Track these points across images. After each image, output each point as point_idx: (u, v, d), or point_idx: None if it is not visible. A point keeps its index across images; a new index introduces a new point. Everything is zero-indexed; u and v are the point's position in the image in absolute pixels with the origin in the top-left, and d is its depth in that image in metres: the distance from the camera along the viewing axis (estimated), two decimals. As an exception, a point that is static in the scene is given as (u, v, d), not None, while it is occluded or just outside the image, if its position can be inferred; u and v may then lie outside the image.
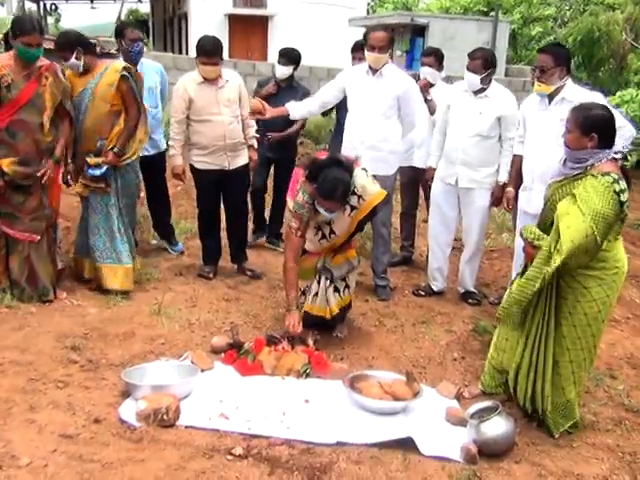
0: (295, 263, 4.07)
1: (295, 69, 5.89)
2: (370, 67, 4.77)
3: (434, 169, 5.07)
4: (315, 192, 3.88)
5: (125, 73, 4.47)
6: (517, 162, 4.62)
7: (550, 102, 4.22)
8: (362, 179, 4.00)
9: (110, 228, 4.63)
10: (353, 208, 4.01)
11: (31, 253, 4.36)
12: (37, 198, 4.33)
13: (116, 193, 4.63)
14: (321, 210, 3.91)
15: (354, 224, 4.08)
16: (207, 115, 4.88)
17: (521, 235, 3.35)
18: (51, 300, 4.45)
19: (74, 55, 4.41)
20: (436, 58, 5.50)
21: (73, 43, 4.44)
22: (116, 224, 4.64)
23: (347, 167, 3.92)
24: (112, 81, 4.45)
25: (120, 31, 5.18)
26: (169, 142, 5.06)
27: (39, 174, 4.25)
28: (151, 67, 5.38)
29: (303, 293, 4.29)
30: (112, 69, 4.50)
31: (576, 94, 4.08)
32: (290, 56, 5.84)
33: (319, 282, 4.18)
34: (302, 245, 4.14)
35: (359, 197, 3.99)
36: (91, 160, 4.47)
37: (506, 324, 3.45)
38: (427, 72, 5.46)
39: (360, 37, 6.34)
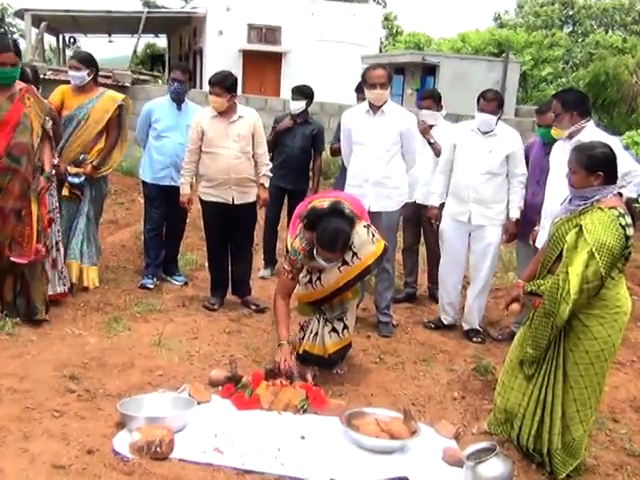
0: (284, 300, 4.09)
1: (308, 104, 6.06)
2: (371, 106, 4.83)
3: (436, 208, 5.09)
4: (314, 241, 3.85)
5: (122, 103, 5.18)
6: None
7: (564, 145, 4.27)
8: (362, 237, 3.94)
9: (77, 230, 5.17)
10: (345, 263, 3.93)
11: (25, 271, 4.40)
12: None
13: (89, 202, 5.19)
14: (319, 259, 3.86)
15: (342, 281, 3.95)
16: (215, 147, 4.96)
17: (524, 293, 3.39)
18: (41, 320, 4.50)
19: (86, 71, 5.04)
20: (433, 100, 5.59)
21: (91, 61, 5.15)
22: (80, 225, 5.18)
23: (349, 219, 3.85)
24: (109, 108, 5.12)
25: (170, 71, 5.55)
26: (181, 171, 5.18)
27: (38, 190, 4.37)
28: (194, 108, 5.59)
29: (302, 328, 4.27)
30: (110, 97, 5.19)
31: (592, 137, 4.08)
32: (302, 91, 6.02)
33: (318, 321, 4.15)
34: (293, 287, 4.14)
35: (354, 254, 3.92)
36: (72, 169, 5.01)
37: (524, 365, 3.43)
38: (426, 114, 5.55)
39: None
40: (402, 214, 5.23)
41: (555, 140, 4.49)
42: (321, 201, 4.08)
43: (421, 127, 5.41)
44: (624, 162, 4.25)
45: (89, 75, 5.09)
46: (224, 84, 4.89)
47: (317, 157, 6.27)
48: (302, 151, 6.08)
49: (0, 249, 4.33)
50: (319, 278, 4.01)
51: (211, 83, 4.92)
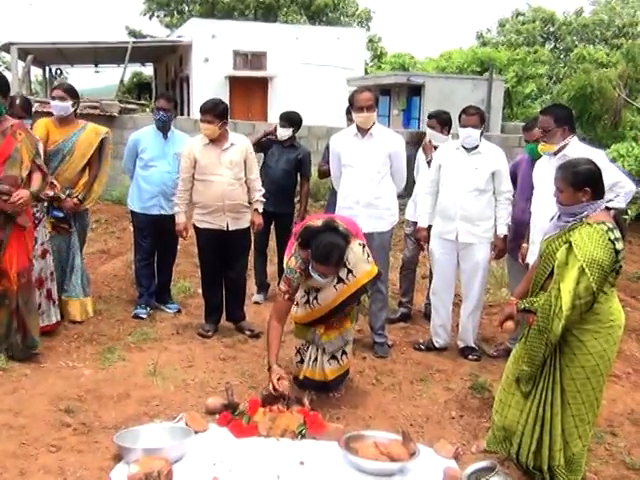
0: (278, 323, 4.06)
1: (295, 131, 6.12)
2: (359, 129, 4.88)
3: (424, 229, 5.13)
4: (309, 256, 3.86)
5: (106, 136, 5.26)
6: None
7: (551, 161, 4.30)
8: (357, 254, 3.95)
9: (75, 265, 5.22)
10: (340, 280, 3.93)
11: (20, 306, 4.35)
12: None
13: (76, 235, 5.24)
14: (315, 275, 3.86)
15: (338, 299, 3.95)
16: (208, 175, 4.99)
17: (518, 310, 3.40)
18: (35, 353, 4.46)
19: (71, 102, 5.06)
20: (438, 121, 5.62)
21: (75, 92, 5.20)
22: (77, 261, 5.23)
23: (343, 235, 3.87)
24: (94, 141, 5.18)
25: (156, 99, 5.53)
26: (174, 199, 5.18)
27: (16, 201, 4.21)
28: (180, 137, 5.62)
29: (298, 352, 4.26)
30: (93, 130, 5.25)
31: (577, 152, 4.13)
32: (290, 119, 6.08)
33: (317, 348, 4.12)
34: (289, 308, 4.13)
35: (349, 271, 3.92)
36: (55, 203, 5.02)
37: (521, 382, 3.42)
38: (429, 134, 5.61)
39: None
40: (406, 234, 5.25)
41: (541, 156, 4.53)
42: (315, 221, 4.11)
43: (424, 144, 5.47)
44: (611, 174, 4.30)
45: (73, 106, 5.12)
46: (215, 111, 4.92)
47: (304, 182, 6.29)
48: (285, 174, 6.07)
49: None
50: (316, 297, 4.01)
51: (202, 111, 4.95)
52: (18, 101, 4.95)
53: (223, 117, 4.97)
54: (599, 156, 4.15)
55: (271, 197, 5.77)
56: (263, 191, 5.25)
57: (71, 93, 5.13)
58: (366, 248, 4.05)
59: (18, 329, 4.37)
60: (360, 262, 3.95)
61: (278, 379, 3.86)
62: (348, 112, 5.90)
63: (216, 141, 5.00)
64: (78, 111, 5.33)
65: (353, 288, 3.94)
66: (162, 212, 5.47)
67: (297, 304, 4.14)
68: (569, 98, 13.44)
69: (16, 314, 4.36)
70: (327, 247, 3.77)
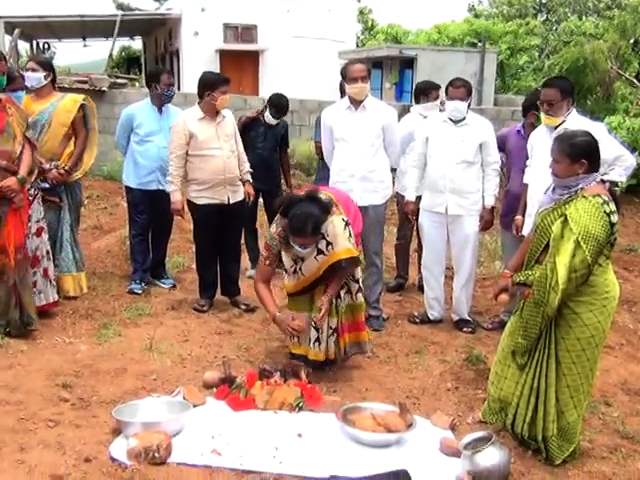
0: (264, 284, 4.18)
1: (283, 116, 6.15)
2: (352, 101, 4.84)
3: (412, 202, 5.12)
4: (286, 227, 3.87)
5: (85, 103, 5.15)
6: (526, 191, 4.67)
7: (552, 133, 4.24)
8: (337, 228, 3.91)
9: (64, 240, 5.18)
10: (320, 252, 3.93)
11: (17, 282, 4.34)
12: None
13: (68, 209, 5.18)
14: (294, 246, 3.87)
15: (320, 270, 3.95)
16: (207, 150, 4.95)
17: (513, 284, 3.40)
18: (32, 329, 4.46)
19: (43, 73, 5.00)
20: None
21: (49, 65, 5.21)
22: (68, 237, 5.20)
23: (323, 205, 3.84)
24: (72, 108, 5.06)
25: (156, 76, 5.49)
26: (168, 178, 5.08)
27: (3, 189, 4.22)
28: (174, 111, 5.57)
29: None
30: (71, 99, 5.15)
31: (577, 124, 4.10)
32: (282, 107, 6.04)
33: (317, 329, 4.07)
34: (271, 272, 4.22)
35: (328, 243, 3.91)
36: (41, 175, 4.86)
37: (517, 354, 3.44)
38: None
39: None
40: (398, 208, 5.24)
41: None
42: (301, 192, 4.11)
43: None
44: (613, 147, 4.31)
45: (46, 78, 5.02)
46: (229, 82, 4.99)
47: (284, 154, 6.36)
48: (273, 151, 6.16)
49: None
50: (301, 268, 4.03)
51: (224, 82, 4.95)
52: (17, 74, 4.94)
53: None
54: (599, 129, 4.14)
55: (260, 175, 5.75)
56: (248, 163, 5.30)
57: (43, 65, 5.08)
58: (349, 227, 3.99)
59: (16, 305, 4.36)
60: (340, 237, 3.91)
61: (292, 319, 3.94)
62: (342, 88, 5.85)
63: (211, 115, 4.97)
64: (67, 85, 5.26)
65: (331, 260, 3.92)
66: (160, 187, 5.42)
67: (287, 273, 4.15)
68: (561, 71, 13.40)
69: (14, 290, 4.35)
70: (301, 218, 3.75)
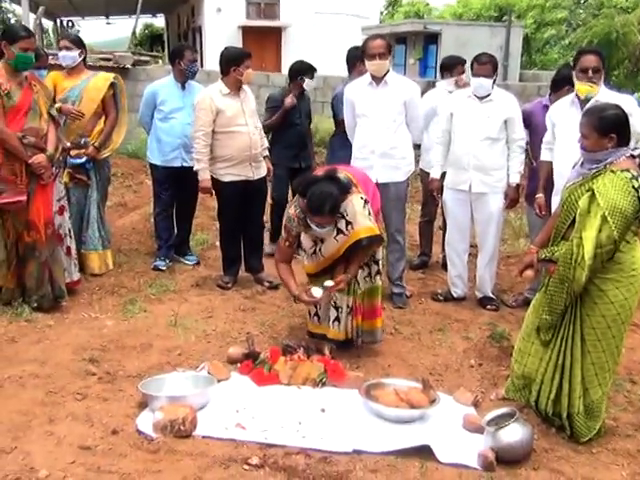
0: (285, 263, 4.17)
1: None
2: (373, 78, 4.80)
3: (437, 180, 5.08)
4: (305, 208, 3.85)
5: (115, 81, 5.23)
6: (545, 168, 4.59)
7: (582, 106, 4.10)
8: (357, 207, 3.86)
9: (90, 218, 5.24)
10: (340, 232, 3.88)
11: (48, 257, 4.42)
12: None
13: (95, 187, 5.23)
14: (312, 225, 3.85)
15: (340, 250, 3.92)
16: (234, 126, 4.94)
17: (539, 260, 3.36)
18: (65, 302, 4.57)
19: (78, 51, 5.07)
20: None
21: (82, 42, 5.23)
22: (95, 214, 5.25)
23: (342, 185, 3.80)
24: (102, 86, 5.15)
25: (180, 52, 5.49)
26: (195, 156, 5.01)
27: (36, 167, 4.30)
28: (197, 87, 5.57)
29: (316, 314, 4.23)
30: (102, 77, 5.25)
31: (607, 98, 4.02)
32: (311, 68, 5.96)
33: (336, 309, 4.08)
34: (291, 253, 4.20)
35: (348, 223, 3.86)
36: (73, 151, 5.03)
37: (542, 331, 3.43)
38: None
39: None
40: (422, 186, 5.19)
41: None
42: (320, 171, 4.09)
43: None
44: None
45: (80, 56, 5.10)
46: (251, 56, 4.99)
47: (309, 130, 6.31)
48: (308, 126, 6.11)
49: (19, 233, 4.36)
50: (320, 249, 4.02)
51: (248, 56, 4.96)
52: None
53: None
54: (629, 102, 4.05)
55: (300, 153, 5.81)
56: (265, 138, 5.35)
57: (77, 43, 5.14)
58: (368, 205, 3.94)
59: (48, 280, 4.44)
60: (360, 216, 3.86)
61: (318, 299, 3.96)
62: (350, 63, 5.73)
63: (235, 90, 4.97)
64: (92, 63, 5.31)
65: (351, 240, 3.88)
66: (184, 164, 5.43)
67: (307, 254, 4.15)
68: (590, 44, 13.16)
69: (46, 265, 4.42)
70: (320, 197, 3.72)
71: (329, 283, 3.94)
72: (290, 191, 6.05)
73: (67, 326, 4.33)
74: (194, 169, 5.07)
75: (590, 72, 4.18)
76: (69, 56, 5.06)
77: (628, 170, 3.06)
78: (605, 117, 3.14)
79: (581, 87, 4.23)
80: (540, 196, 4.64)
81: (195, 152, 4.99)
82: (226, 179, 5.04)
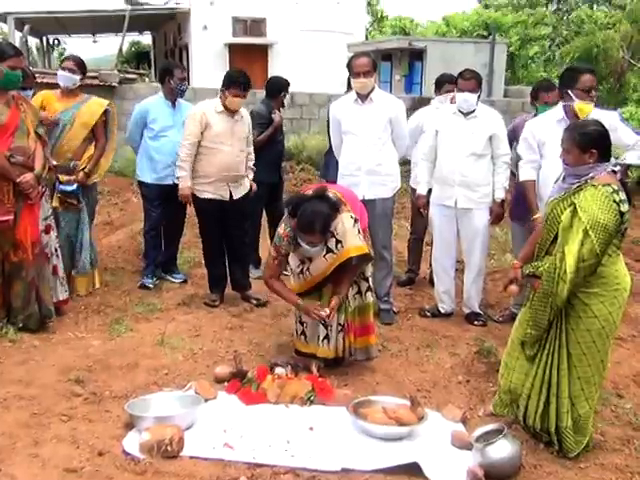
0: (277, 279, 4.15)
1: None
2: (358, 95, 4.83)
3: (424, 196, 5.11)
4: (295, 226, 3.84)
5: (109, 108, 5.22)
6: (531, 187, 4.59)
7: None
8: (347, 225, 3.86)
9: (83, 242, 5.20)
10: (330, 250, 3.88)
11: (35, 277, 4.38)
12: None
13: (85, 210, 5.19)
14: (303, 244, 3.84)
15: (329, 269, 3.91)
16: (219, 144, 4.95)
17: (523, 276, 3.39)
18: (52, 322, 4.54)
19: (79, 76, 5.06)
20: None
21: (85, 67, 5.22)
22: (86, 237, 5.21)
23: (332, 204, 3.80)
24: (96, 111, 5.13)
25: (169, 70, 5.53)
26: (178, 163, 5.04)
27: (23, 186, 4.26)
28: (186, 105, 5.60)
29: (300, 322, 4.21)
30: (96, 102, 5.22)
31: (594, 114, 4.07)
32: (286, 83, 6.09)
33: (325, 327, 4.06)
34: (280, 271, 4.17)
35: (338, 241, 3.86)
36: (62, 177, 4.97)
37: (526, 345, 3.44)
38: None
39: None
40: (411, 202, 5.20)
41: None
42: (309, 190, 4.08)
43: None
44: (627, 135, 4.29)
45: (80, 80, 5.10)
46: (248, 85, 4.97)
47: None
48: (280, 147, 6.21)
49: (5, 253, 4.33)
50: (308, 268, 4.01)
51: (238, 84, 4.89)
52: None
53: (249, 88, 5.02)
54: (613, 117, 4.11)
55: (277, 169, 5.84)
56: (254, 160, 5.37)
57: (81, 67, 5.12)
58: (358, 224, 3.95)
59: (35, 299, 4.41)
60: (350, 234, 3.86)
61: (327, 314, 3.91)
62: (349, 81, 5.85)
63: (231, 111, 4.98)
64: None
65: (341, 259, 3.87)
66: (175, 181, 5.37)
67: (292, 274, 4.15)
68: (572, 60, 13.32)
69: (33, 285, 4.38)
70: (310, 216, 3.72)
71: (325, 312, 3.92)
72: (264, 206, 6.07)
73: (53, 346, 4.29)
74: (175, 175, 5.12)
75: (593, 91, 4.25)
76: (70, 78, 5.02)
77: (609, 184, 3.09)
78: (585, 133, 3.19)
79: (585, 107, 4.22)
80: (539, 216, 4.60)
81: (178, 159, 5.03)
82: (202, 195, 5.07)
